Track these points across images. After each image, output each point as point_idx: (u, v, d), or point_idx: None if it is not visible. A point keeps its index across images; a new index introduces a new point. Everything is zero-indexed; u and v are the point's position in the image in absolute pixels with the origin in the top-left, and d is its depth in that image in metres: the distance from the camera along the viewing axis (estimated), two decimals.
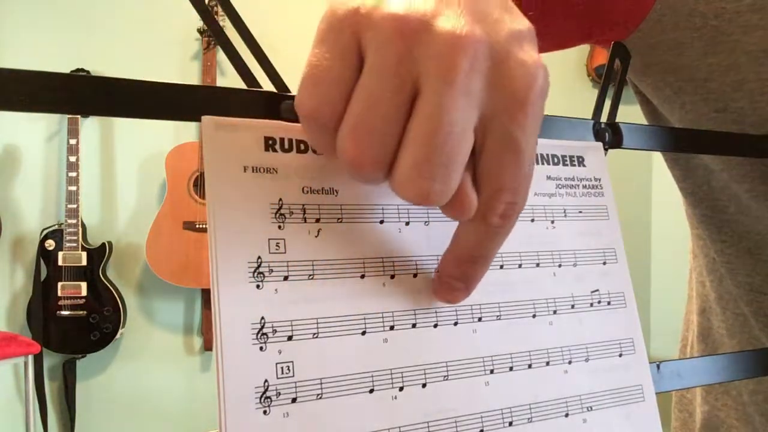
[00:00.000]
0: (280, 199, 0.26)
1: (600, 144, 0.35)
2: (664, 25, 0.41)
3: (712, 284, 0.52)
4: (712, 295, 0.52)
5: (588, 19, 0.42)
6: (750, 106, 0.40)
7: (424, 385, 0.27)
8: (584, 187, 0.34)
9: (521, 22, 0.24)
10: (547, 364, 0.30)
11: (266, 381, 0.24)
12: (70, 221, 2.16)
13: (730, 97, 0.40)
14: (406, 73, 0.22)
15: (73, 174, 2.17)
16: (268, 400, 0.24)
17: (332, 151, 0.24)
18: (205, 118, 0.25)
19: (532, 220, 0.32)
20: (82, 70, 2.26)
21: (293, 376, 0.24)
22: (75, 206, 2.16)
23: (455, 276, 0.27)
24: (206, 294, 2.33)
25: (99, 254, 2.20)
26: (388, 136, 0.22)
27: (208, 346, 2.40)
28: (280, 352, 0.24)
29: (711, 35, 0.39)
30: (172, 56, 2.41)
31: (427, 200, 0.22)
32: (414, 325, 0.27)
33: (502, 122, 0.23)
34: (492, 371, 0.28)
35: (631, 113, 0.46)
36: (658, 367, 0.33)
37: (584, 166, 0.34)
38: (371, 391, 0.25)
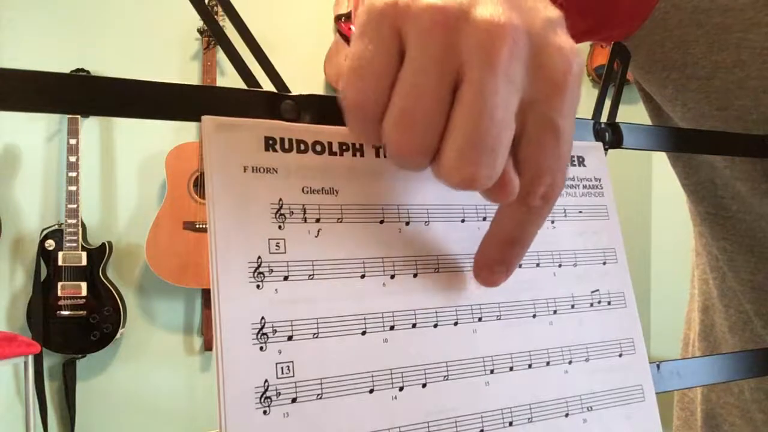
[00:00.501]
0: (280, 199, 0.26)
1: (600, 144, 0.35)
2: (669, 22, 0.41)
3: (715, 282, 0.52)
4: (714, 293, 0.52)
5: (592, 16, 0.43)
6: (753, 104, 0.40)
7: (424, 385, 0.27)
8: (584, 187, 0.34)
9: (553, 10, 0.25)
10: (548, 364, 0.30)
11: (266, 381, 0.24)
12: (70, 221, 2.16)
13: (733, 94, 0.40)
14: (448, 62, 0.22)
15: (73, 174, 2.17)
16: (268, 400, 0.24)
17: (376, 141, 0.24)
18: (205, 118, 0.25)
19: None
20: (82, 70, 2.26)
21: (293, 376, 0.24)
22: (75, 206, 2.16)
23: (496, 259, 0.27)
24: (206, 294, 2.33)
25: (99, 254, 2.20)
26: (433, 125, 0.23)
27: (208, 346, 2.40)
28: (280, 352, 0.24)
29: (715, 32, 0.40)
30: (172, 56, 2.41)
31: (473, 185, 0.23)
32: (414, 325, 0.27)
33: (541, 107, 0.24)
34: (492, 371, 0.28)
35: (631, 113, 0.46)
36: (658, 367, 0.33)
37: (584, 166, 0.34)
38: (371, 391, 0.25)
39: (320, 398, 0.24)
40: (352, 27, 2.40)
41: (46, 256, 2.17)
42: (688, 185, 0.50)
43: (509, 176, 0.24)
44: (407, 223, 0.28)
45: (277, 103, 0.27)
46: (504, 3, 0.23)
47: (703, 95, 0.42)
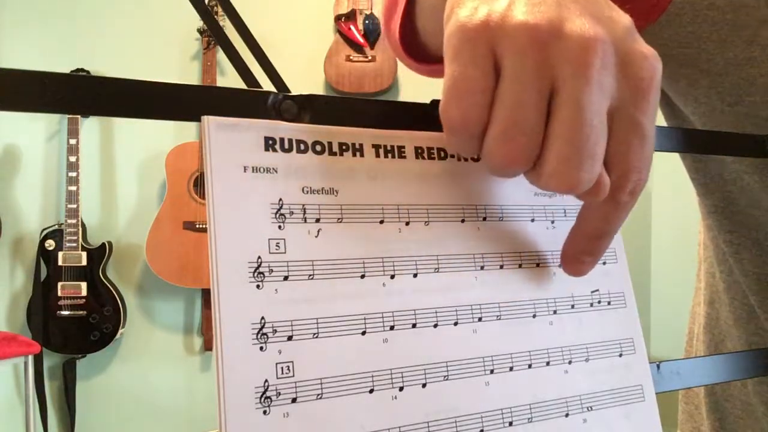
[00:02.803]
0: (280, 199, 0.26)
1: None
2: (683, 18, 0.41)
3: (722, 275, 0.52)
4: (721, 286, 0.52)
5: None
6: (763, 100, 0.40)
7: (424, 385, 0.27)
8: None
9: (626, 17, 0.26)
10: (548, 364, 0.30)
11: (266, 381, 0.24)
12: (70, 221, 2.16)
13: (744, 91, 0.41)
14: (544, 76, 0.24)
15: (73, 174, 2.17)
16: (268, 400, 0.24)
17: (475, 153, 0.26)
18: (205, 118, 0.25)
19: (533, 220, 0.32)
20: (82, 70, 2.26)
21: (293, 376, 0.24)
22: (75, 206, 2.16)
23: (585, 251, 0.30)
24: (206, 294, 2.33)
25: (99, 254, 2.20)
26: (535, 135, 0.25)
27: (208, 346, 2.40)
28: (280, 352, 0.24)
29: (728, 29, 0.40)
30: (172, 56, 2.41)
31: (576, 189, 0.25)
32: (414, 325, 0.27)
33: (629, 110, 0.25)
34: (492, 371, 0.28)
35: None
36: (658, 367, 0.33)
37: None
38: (371, 391, 0.25)
39: (320, 398, 0.24)
40: (352, 27, 2.40)
41: (46, 256, 2.17)
42: (698, 179, 0.50)
43: (603, 176, 0.25)
44: (407, 223, 0.28)
45: (277, 103, 0.27)
46: (587, 16, 0.24)
47: (714, 91, 0.42)
